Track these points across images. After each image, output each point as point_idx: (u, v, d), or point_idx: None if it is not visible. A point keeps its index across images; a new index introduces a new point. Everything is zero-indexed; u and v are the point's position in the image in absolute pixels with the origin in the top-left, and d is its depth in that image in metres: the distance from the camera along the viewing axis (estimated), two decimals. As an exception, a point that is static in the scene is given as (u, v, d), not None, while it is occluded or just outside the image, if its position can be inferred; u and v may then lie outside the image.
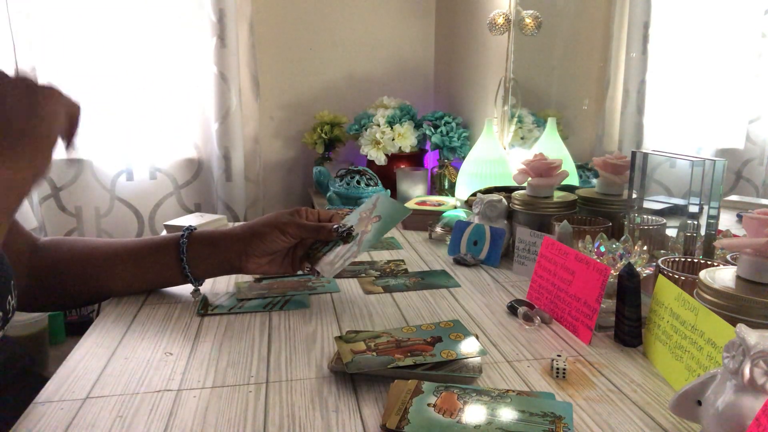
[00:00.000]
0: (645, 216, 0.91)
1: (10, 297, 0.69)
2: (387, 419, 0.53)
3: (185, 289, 0.89)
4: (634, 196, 0.91)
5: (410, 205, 1.37)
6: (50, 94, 0.61)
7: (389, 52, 2.08)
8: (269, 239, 0.81)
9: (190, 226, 0.86)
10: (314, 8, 2.00)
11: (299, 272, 0.88)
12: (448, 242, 1.12)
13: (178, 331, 0.76)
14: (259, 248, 0.81)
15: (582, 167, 1.34)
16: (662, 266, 0.75)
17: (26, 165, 0.58)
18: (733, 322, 0.51)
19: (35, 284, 0.82)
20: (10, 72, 0.60)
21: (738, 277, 0.65)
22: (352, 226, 0.84)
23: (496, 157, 1.39)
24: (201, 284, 0.87)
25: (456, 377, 0.62)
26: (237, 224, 0.90)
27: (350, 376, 0.64)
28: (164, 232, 1.12)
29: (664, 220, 0.91)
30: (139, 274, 0.85)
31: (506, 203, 1.09)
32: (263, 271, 0.85)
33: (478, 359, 0.65)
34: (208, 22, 1.74)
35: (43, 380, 0.63)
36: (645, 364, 0.67)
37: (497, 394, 0.58)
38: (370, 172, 1.57)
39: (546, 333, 0.76)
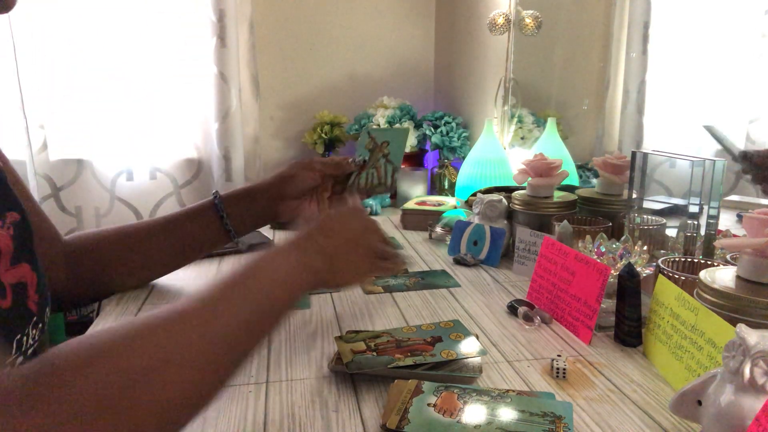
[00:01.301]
0: (645, 216, 0.91)
1: (48, 308, 0.68)
2: (387, 419, 0.53)
3: (186, 289, 0.89)
4: (634, 196, 0.91)
5: (410, 205, 1.37)
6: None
7: (389, 52, 2.08)
8: (300, 179, 0.87)
9: (216, 191, 0.90)
10: (314, 8, 2.00)
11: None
12: (448, 242, 1.12)
13: (178, 331, 0.76)
14: (292, 189, 0.86)
15: (582, 167, 1.34)
16: (662, 266, 0.75)
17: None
18: (733, 322, 0.51)
19: (73, 277, 0.82)
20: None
21: (738, 277, 0.65)
22: (364, 158, 0.94)
23: (496, 157, 1.39)
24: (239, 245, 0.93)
25: (456, 377, 0.62)
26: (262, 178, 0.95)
27: (350, 376, 0.64)
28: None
29: (664, 220, 0.91)
30: (182, 242, 0.87)
31: (506, 203, 1.09)
32: (296, 214, 0.88)
33: (478, 359, 0.65)
34: (208, 22, 1.74)
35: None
36: (645, 364, 0.67)
37: (497, 394, 0.58)
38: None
39: (546, 333, 0.76)
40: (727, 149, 0.95)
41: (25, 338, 0.60)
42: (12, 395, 0.34)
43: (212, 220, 0.86)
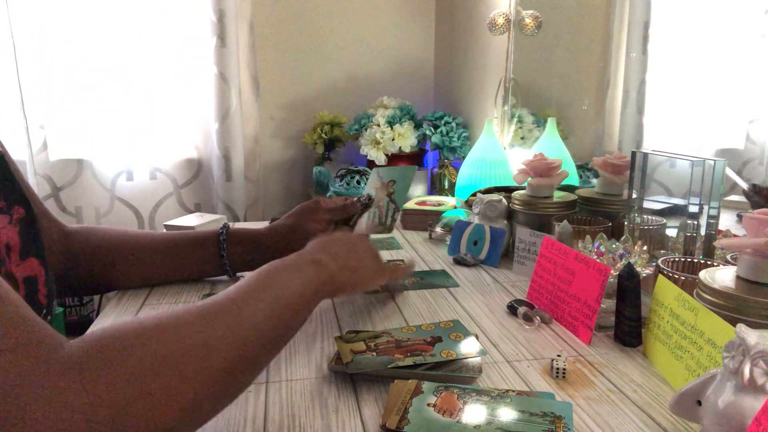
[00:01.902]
0: (645, 216, 0.91)
1: (54, 301, 0.70)
2: (387, 419, 0.53)
3: (186, 289, 0.89)
4: (634, 196, 0.91)
5: (410, 205, 1.37)
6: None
7: (389, 52, 2.08)
8: (307, 229, 0.88)
9: (226, 224, 0.92)
10: (314, 8, 2.00)
11: None
12: (448, 242, 1.12)
13: (178, 331, 0.76)
14: (300, 240, 0.86)
15: (582, 167, 1.34)
16: (662, 266, 0.75)
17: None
18: (733, 322, 0.51)
19: (69, 269, 0.83)
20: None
21: (738, 277, 0.65)
22: (370, 194, 0.94)
23: (496, 157, 1.39)
24: (238, 278, 0.92)
25: (456, 377, 0.62)
26: (269, 224, 0.95)
27: (350, 376, 0.64)
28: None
29: (664, 220, 0.91)
30: (179, 264, 0.90)
31: (506, 203, 1.09)
32: None
33: (478, 359, 0.65)
34: (208, 22, 1.74)
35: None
36: (645, 364, 0.67)
37: (497, 394, 0.58)
38: (370, 172, 1.57)
39: (546, 333, 0.76)
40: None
41: None
42: (76, 361, 0.38)
43: (212, 254, 0.89)
